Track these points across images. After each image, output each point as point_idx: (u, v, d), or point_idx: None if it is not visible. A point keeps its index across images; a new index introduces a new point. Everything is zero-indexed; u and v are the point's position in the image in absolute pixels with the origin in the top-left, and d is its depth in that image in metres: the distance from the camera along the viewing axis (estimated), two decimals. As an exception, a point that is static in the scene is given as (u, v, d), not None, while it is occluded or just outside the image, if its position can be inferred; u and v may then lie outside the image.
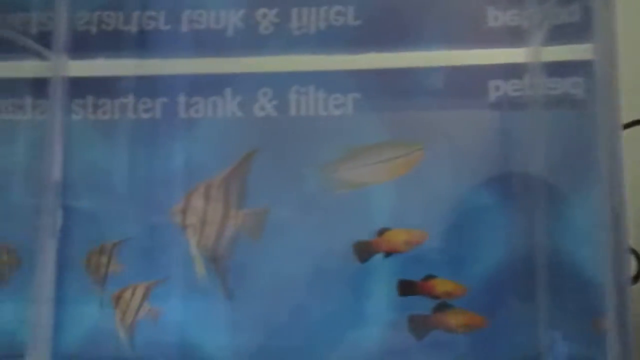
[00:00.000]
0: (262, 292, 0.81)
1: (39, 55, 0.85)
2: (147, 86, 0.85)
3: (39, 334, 0.83)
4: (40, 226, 0.84)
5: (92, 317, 0.83)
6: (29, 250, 0.84)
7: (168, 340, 0.82)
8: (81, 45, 0.86)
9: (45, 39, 0.85)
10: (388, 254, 0.79)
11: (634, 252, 0.78)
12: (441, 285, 0.78)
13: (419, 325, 0.78)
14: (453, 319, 0.77)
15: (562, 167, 0.76)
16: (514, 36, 0.80)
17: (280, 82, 0.83)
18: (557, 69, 0.77)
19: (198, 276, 0.82)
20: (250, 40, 0.84)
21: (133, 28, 0.85)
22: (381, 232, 0.80)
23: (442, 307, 0.77)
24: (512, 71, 0.79)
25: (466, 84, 0.80)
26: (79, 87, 0.86)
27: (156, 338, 0.82)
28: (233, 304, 0.80)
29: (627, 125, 0.78)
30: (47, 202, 0.85)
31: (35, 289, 0.84)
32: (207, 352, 0.81)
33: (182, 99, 0.85)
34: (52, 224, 0.85)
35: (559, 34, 0.76)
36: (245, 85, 0.84)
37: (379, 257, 0.79)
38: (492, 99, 0.80)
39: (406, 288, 0.79)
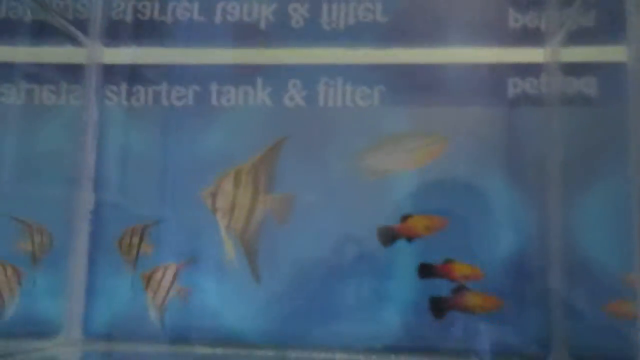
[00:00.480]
0: (289, 274, 0.86)
1: (75, 42, 0.87)
2: (180, 74, 0.89)
3: (71, 314, 0.87)
4: (73, 208, 0.87)
5: (123, 297, 0.86)
6: (62, 232, 0.87)
7: (197, 320, 0.86)
8: (116, 33, 0.89)
9: (81, 26, 0.88)
10: (410, 238, 0.84)
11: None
12: (459, 268, 0.83)
13: (438, 307, 0.83)
14: (470, 301, 0.82)
15: (575, 159, 0.81)
16: (532, 37, 0.85)
17: (310, 74, 0.87)
18: (572, 69, 0.82)
19: (227, 258, 0.85)
20: (282, 33, 0.88)
21: (168, 18, 0.89)
22: (404, 218, 0.84)
23: (460, 289, 0.82)
24: (530, 70, 0.85)
25: (486, 81, 0.85)
26: (113, 74, 0.89)
27: (186, 318, 0.86)
28: (261, 285, 0.84)
29: None
30: (81, 185, 0.88)
31: (68, 269, 0.87)
32: (235, 332, 0.85)
33: (214, 87, 0.89)
34: (85, 206, 0.88)
35: (575, 37, 0.81)
36: (275, 76, 0.88)
37: (401, 241, 0.84)
38: (511, 96, 0.85)
39: (426, 271, 0.83)
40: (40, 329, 0.83)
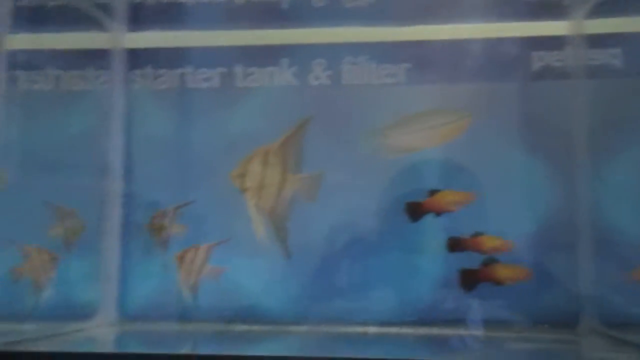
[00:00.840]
0: (319, 251, 0.87)
1: (100, 27, 0.88)
2: (205, 57, 0.89)
3: (106, 296, 0.88)
4: (103, 192, 0.89)
5: (156, 278, 0.88)
6: (93, 216, 0.88)
7: (229, 299, 0.87)
8: (139, 17, 0.90)
9: (105, 10, 0.88)
10: (438, 213, 0.85)
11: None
12: (488, 241, 0.84)
13: (467, 279, 0.84)
14: (500, 273, 0.83)
15: (600, 131, 0.82)
16: (556, 10, 0.85)
17: (334, 53, 0.88)
18: (597, 40, 0.83)
19: (257, 237, 0.86)
20: (305, 13, 0.88)
21: (191, 0, 0.89)
22: (431, 193, 0.85)
23: (490, 261, 0.83)
24: (554, 43, 0.85)
25: (511, 55, 0.86)
26: (139, 58, 0.90)
27: (218, 297, 0.87)
28: (291, 263, 0.85)
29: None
30: (110, 169, 0.89)
31: (101, 252, 0.88)
32: (267, 311, 0.86)
33: (239, 69, 0.89)
34: (115, 189, 0.89)
35: (600, 8, 0.82)
36: (300, 55, 0.88)
37: (429, 216, 0.85)
38: (535, 69, 0.86)
39: (455, 245, 0.84)
40: (75, 312, 0.85)
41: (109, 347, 0.79)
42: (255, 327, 0.85)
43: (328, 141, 0.87)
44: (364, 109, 0.88)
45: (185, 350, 0.77)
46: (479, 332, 0.81)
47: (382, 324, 0.82)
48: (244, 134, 0.89)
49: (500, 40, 0.86)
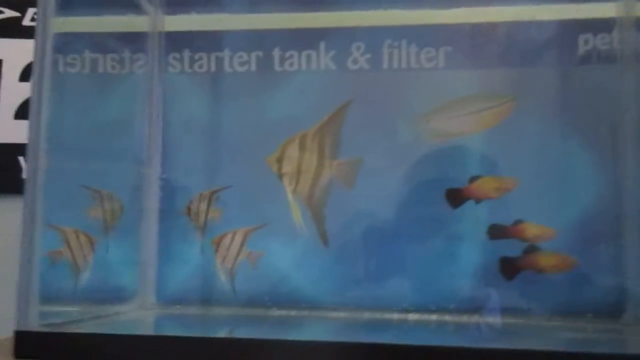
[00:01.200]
0: (357, 237, 0.86)
1: (138, 10, 0.88)
2: (242, 40, 0.88)
3: (144, 279, 0.88)
4: (141, 176, 0.89)
5: (193, 262, 0.88)
6: (132, 199, 0.88)
7: (267, 284, 0.87)
8: (176, 0, 0.89)
9: (141, -6, 0.88)
10: (479, 200, 0.84)
11: None
12: (531, 228, 0.82)
13: (509, 267, 0.83)
14: (543, 261, 0.82)
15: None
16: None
17: (373, 36, 0.87)
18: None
19: (295, 222, 0.86)
20: (344, -5, 0.87)
21: (227, -17, 0.88)
22: (472, 179, 0.84)
23: (532, 249, 0.82)
24: (601, 26, 0.83)
25: (556, 38, 0.84)
26: (176, 41, 0.89)
27: (255, 281, 0.87)
28: (329, 249, 0.85)
29: None
30: (148, 153, 0.89)
31: (139, 236, 0.88)
32: (305, 296, 0.86)
33: (277, 52, 0.88)
34: (154, 173, 0.89)
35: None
36: (338, 39, 0.87)
37: (470, 203, 0.84)
38: (582, 53, 0.83)
39: (497, 232, 0.83)
40: (112, 295, 0.85)
41: (149, 331, 0.79)
42: (293, 312, 0.84)
43: (367, 126, 0.86)
44: (404, 93, 0.86)
45: (222, 334, 0.77)
46: (519, 320, 0.80)
47: (422, 310, 0.82)
48: (281, 119, 0.88)
49: (544, 23, 0.84)
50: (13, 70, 1.08)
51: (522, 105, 0.83)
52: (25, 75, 1.09)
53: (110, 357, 0.58)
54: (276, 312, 0.84)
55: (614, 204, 0.81)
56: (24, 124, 1.09)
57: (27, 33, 1.07)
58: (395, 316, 0.82)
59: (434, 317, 0.81)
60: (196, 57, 0.89)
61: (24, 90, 1.07)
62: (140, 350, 0.58)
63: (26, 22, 1.08)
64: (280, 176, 0.87)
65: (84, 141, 0.86)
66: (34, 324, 0.61)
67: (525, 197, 0.82)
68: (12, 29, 1.08)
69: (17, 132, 1.06)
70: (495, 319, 0.80)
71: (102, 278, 0.85)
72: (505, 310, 0.80)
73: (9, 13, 1.10)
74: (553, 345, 0.66)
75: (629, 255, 0.79)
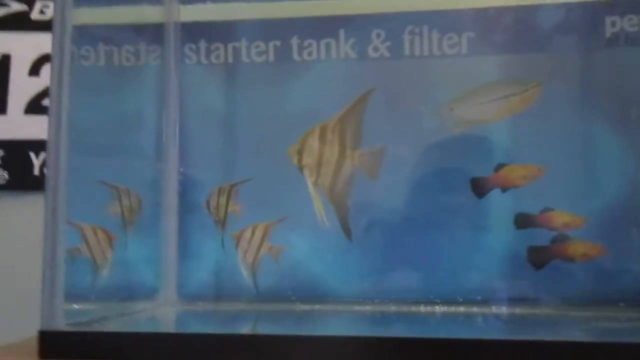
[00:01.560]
0: (381, 229, 0.84)
1: (152, 0, 0.86)
2: (259, 30, 0.86)
3: (165, 276, 0.87)
4: (160, 170, 0.87)
5: (214, 257, 0.86)
6: (151, 195, 0.86)
7: (289, 278, 0.85)
8: (190, -10, 0.87)
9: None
10: (505, 188, 0.82)
11: None
12: (559, 217, 0.81)
13: (537, 256, 0.81)
14: (572, 249, 0.80)
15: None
16: (632, -29, 0.81)
17: (394, 23, 0.84)
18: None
19: (317, 215, 0.84)
20: (362, -19, 0.85)
21: (243, -29, 0.86)
22: (498, 167, 0.82)
23: (561, 238, 0.80)
24: (629, 6, 0.80)
25: (582, 20, 0.82)
26: (192, 32, 0.87)
27: (277, 276, 0.86)
28: (352, 242, 0.83)
29: None
30: (165, 146, 0.87)
31: (159, 232, 0.87)
32: (329, 290, 0.84)
33: (295, 41, 0.86)
34: (172, 167, 0.87)
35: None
36: (358, 27, 0.85)
37: (496, 192, 0.82)
38: (609, 35, 0.81)
39: (524, 221, 0.81)
40: (133, 292, 0.84)
41: (177, 328, 0.78)
42: (317, 307, 0.83)
43: (389, 115, 0.84)
44: (427, 81, 0.84)
45: (246, 330, 0.76)
46: (549, 311, 0.79)
47: (450, 302, 0.81)
48: (301, 109, 0.86)
49: (570, 5, 0.82)
50: (22, 65, 1.06)
51: (548, 90, 0.82)
52: (34, 70, 1.07)
53: (140, 355, 0.57)
54: (300, 307, 0.83)
55: (643, 190, 0.80)
56: (34, 119, 1.09)
57: (35, 26, 1.06)
58: (423, 309, 0.81)
59: (461, 309, 0.80)
60: (212, 47, 0.87)
61: (34, 85, 1.06)
62: (171, 348, 0.56)
63: (34, 15, 1.07)
64: (301, 168, 0.85)
65: (99, 136, 0.84)
66: (60, 324, 0.60)
67: (552, 184, 0.81)
68: (19, 23, 1.06)
69: (27, 128, 1.04)
70: (524, 310, 0.79)
71: (122, 275, 0.83)
72: (534, 301, 0.79)
73: (15, 6, 1.08)
74: (588, 336, 0.64)
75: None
